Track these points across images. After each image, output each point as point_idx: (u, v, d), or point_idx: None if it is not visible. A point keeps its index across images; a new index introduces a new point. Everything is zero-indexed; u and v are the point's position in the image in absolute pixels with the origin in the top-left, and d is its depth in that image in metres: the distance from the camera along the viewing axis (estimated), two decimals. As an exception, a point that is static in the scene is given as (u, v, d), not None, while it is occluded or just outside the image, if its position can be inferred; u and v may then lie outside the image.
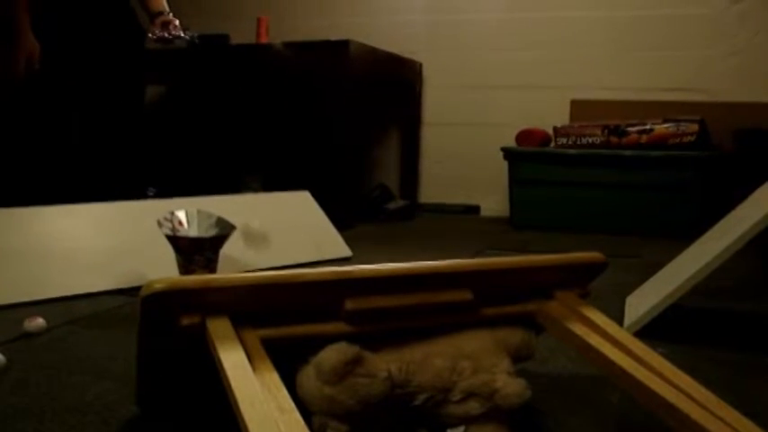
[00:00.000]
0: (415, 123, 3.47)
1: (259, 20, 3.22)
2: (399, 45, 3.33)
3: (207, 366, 0.67)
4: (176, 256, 1.56)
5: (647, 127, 2.71)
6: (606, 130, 2.78)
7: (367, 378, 0.70)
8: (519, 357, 0.82)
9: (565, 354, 1.14)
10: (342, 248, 2.09)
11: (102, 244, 1.68)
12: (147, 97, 2.62)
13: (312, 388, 0.70)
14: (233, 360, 0.63)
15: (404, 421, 0.77)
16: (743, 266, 1.95)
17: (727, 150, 2.77)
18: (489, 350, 0.79)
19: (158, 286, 0.64)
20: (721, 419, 0.66)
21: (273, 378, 0.63)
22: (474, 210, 3.42)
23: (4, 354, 1.06)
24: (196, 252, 1.54)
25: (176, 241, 1.55)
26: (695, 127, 2.64)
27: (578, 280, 0.88)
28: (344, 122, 2.82)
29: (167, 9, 2.35)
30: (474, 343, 0.79)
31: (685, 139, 2.64)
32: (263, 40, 3.20)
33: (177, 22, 2.32)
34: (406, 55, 3.32)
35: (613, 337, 0.79)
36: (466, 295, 0.79)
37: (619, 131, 2.75)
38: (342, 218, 2.31)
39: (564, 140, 2.86)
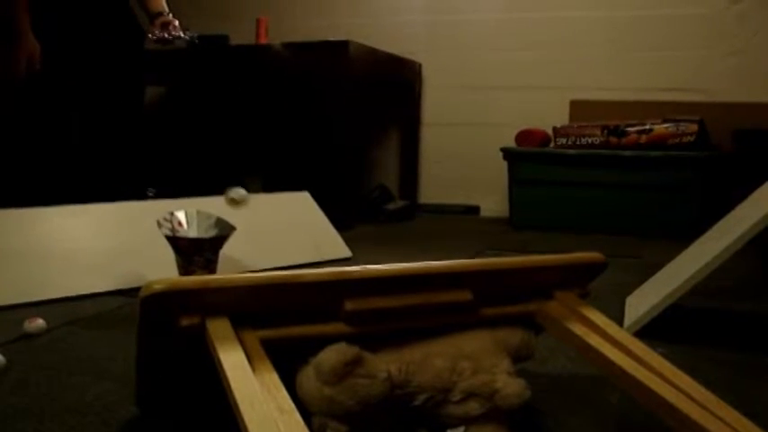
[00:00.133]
0: (414, 124, 3.47)
1: (258, 20, 3.22)
2: (399, 45, 3.34)
3: (206, 367, 0.67)
4: (176, 257, 1.56)
5: (647, 127, 2.71)
6: (606, 131, 2.78)
7: (367, 379, 0.70)
8: (519, 357, 0.83)
9: (564, 354, 1.14)
10: (341, 249, 2.09)
11: (101, 245, 1.68)
12: (147, 98, 2.62)
13: (312, 388, 0.70)
14: (233, 361, 0.63)
15: (404, 422, 0.77)
16: (743, 266, 1.95)
17: (726, 150, 2.77)
18: (489, 350, 0.79)
19: (158, 287, 0.64)
20: (721, 419, 0.66)
21: (273, 379, 0.63)
22: (474, 210, 3.42)
23: (4, 354, 1.06)
24: (196, 253, 1.54)
25: (176, 242, 1.55)
26: (694, 127, 2.64)
27: (578, 280, 0.88)
28: (344, 123, 2.82)
29: (167, 10, 2.35)
30: (474, 343, 0.79)
31: (685, 140, 2.64)
32: (263, 40, 3.20)
33: (177, 23, 2.32)
34: (406, 55, 3.33)
35: (613, 337, 0.79)
36: (466, 295, 0.79)
37: (618, 132, 2.75)
38: (341, 218, 2.31)
39: (563, 141, 2.86)
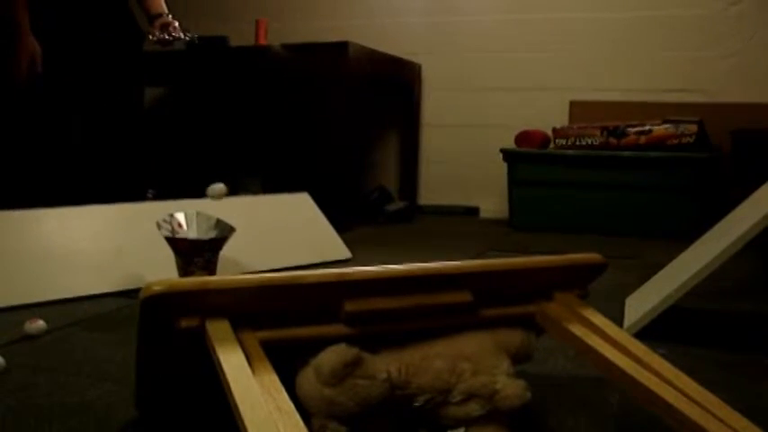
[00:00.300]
0: (414, 125, 3.47)
1: (258, 22, 3.22)
2: (398, 47, 3.34)
3: (206, 368, 0.67)
4: (176, 258, 1.56)
5: (646, 128, 2.71)
6: (605, 132, 2.78)
7: (366, 380, 0.70)
8: (519, 359, 0.82)
9: (564, 355, 1.14)
10: (341, 250, 2.09)
11: (101, 246, 1.68)
12: (147, 99, 2.62)
13: (312, 390, 0.70)
14: (232, 362, 0.63)
15: (404, 423, 0.77)
16: (743, 267, 1.95)
17: (726, 151, 2.77)
18: (489, 351, 0.79)
19: (157, 288, 0.64)
20: (721, 420, 0.66)
21: (273, 380, 0.63)
22: (473, 211, 3.42)
23: (4, 356, 1.06)
24: (195, 254, 1.54)
25: (176, 243, 1.55)
26: (694, 128, 2.64)
27: (578, 281, 0.88)
28: (343, 124, 2.82)
29: (166, 11, 2.35)
30: (474, 344, 0.79)
31: (684, 140, 2.64)
32: (262, 41, 3.20)
33: (176, 24, 2.32)
34: (406, 56, 3.33)
35: (613, 337, 0.79)
36: (465, 297, 0.79)
37: (618, 132, 2.75)
38: (341, 220, 2.31)
39: (563, 142, 2.86)
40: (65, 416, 0.87)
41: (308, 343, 0.72)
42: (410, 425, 0.78)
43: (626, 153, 2.70)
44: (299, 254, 1.96)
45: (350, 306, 0.73)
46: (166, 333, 0.68)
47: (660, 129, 2.69)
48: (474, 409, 0.76)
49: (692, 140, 2.63)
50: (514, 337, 0.83)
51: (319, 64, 2.82)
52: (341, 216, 2.36)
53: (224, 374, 0.61)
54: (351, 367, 0.69)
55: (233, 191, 3.10)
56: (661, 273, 1.54)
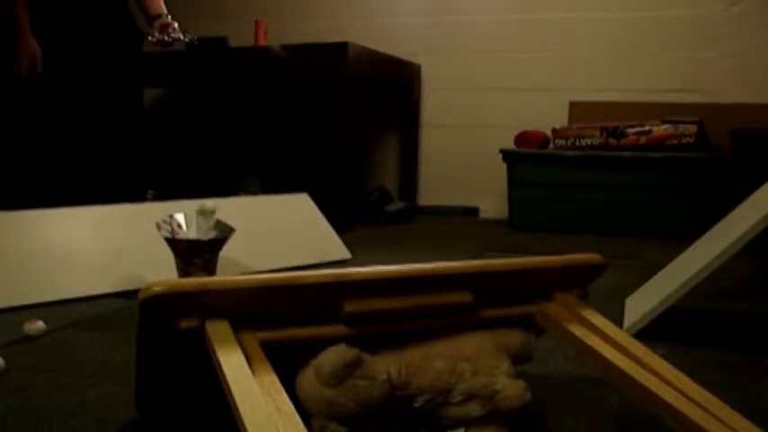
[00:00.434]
0: (413, 125, 3.48)
1: (257, 22, 3.22)
2: (398, 47, 3.34)
3: (206, 369, 0.67)
4: (175, 259, 1.56)
5: (646, 128, 2.71)
6: (605, 132, 2.78)
7: (366, 380, 0.70)
8: (519, 359, 0.82)
9: (564, 355, 1.14)
10: (341, 251, 2.09)
11: (101, 246, 1.68)
12: (147, 100, 2.62)
13: (312, 390, 0.70)
14: (232, 363, 0.63)
15: (404, 423, 0.77)
16: (743, 267, 1.95)
17: (726, 151, 2.77)
18: (489, 352, 0.79)
19: (157, 289, 0.64)
20: (721, 420, 0.66)
21: (273, 381, 0.63)
22: (473, 211, 3.42)
23: (4, 356, 1.06)
24: (195, 255, 1.54)
25: (175, 244, 1.55)
26: (694, 128, 2.64)
27: (578, 281, 0.88)
28: (343, 124, 2.82)
29: (166, 11, 2.35)
30: (474, 345, 0.79)
31: (684, 141, 2.64)
32: (262, 42, 3.20)
33: (176, 25, 2.32)
34: (405, 57, 3.33)
35: (613, 338, 0.79)
36: (465, 297, 0.79)
37: (617, 133, 2.75)
38: (341, 220, 2.31)
39: (563, 142, 2.86)
40: (65, 416, 0.87)
41: (307, 343, 0.72)
42: (410, 425, 0.78)
43: (626, 153, 2.71)
44: (299, 254, 1.96)
45: (350, 306, 0.73)
46: (166, 334, 0.68)
47: (660, 129, 2.69)
48: (474, 409, 0.76)
49: (691, 141, 2.63)
50: (514, 338, 0.83)
51: (319, 64, 2.82)
52: (341, 216, 2.36)
53: (224, 375, 0.61)
54: (351, 368, 0.69)
55: (233, 191, 3.10)
56: (661, 273, 1.54)
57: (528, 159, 2.87)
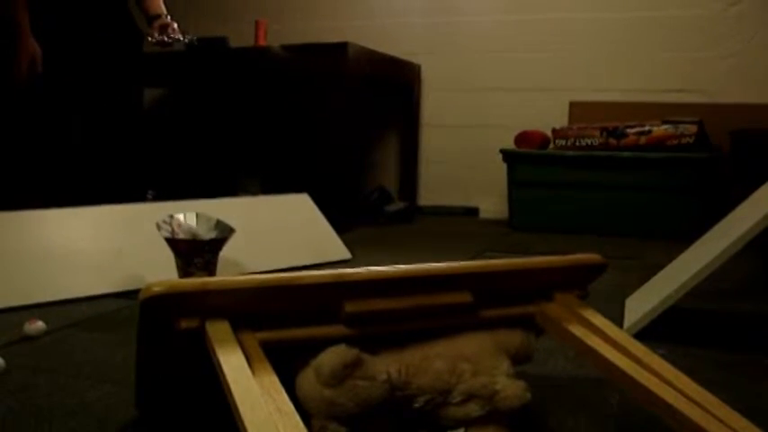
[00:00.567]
0: (413, 125, 3.48)
1: (257, 22, 3.22)
2: (398, 47, 3.34)
3: (206, 369, 0.67)
4: (175, 259, 1.56)
5: (646, 129, 2.71)
6: (605, 132, 2.78)
7: (366, 381, 0.70)
8: (518, 359, 0.82)
9: (564, 355, 1.14)
10: (341, 251, 2.09)
11: (101, 247, 1.68)
12: (147, 100, 2.62)
13: (312, 390, 0.70)
14: (232, 363, 0.63)
15: (404, 424, 0.77)
16: (743, 267, 1.95)
17: (725, 151, 2.77)
18: (489, 352, 0.79)
19: (157, 289, 0.64)
20: (721, 421, 0.66)
21: (273, 381, 0.63)
22: (473, 212, 3.42)
23: (4, 357, 1.06)
24: (195, 255, 1.54)
25: (175, 244, 1.55)
26: (694, 128, 2.64)
27: (578, 282, 0.88)
28: (343, 125, 2.82)
29: (165, 12, 2.35)
30: (473, 345, 0.79)
31: (684, 141, 2.64)
32: (262, 42, 3.20)
33: (176, 26, 2.32)
34: (405, 57, 3.33)
35: (613, 338, 0.79)
36: (465, 297, 0.79)
37: (617, 133, 2.75)
38: (341, 220, 2.31)
39: (563, 142, 2.86)
40: (65, 417, 0.87)
41: (307, 344, 0.72)
42: (410, 425, 0.78)
43: (625, 154, 2.71)
44: (299, 255, 1.96)
45: (350, 307, 0.73)
46: (166, 334, 0.68)
47: (660, 129, 2.69)
48: (474, 409, 0.76)
49: (691, 141, 2.64)
50: (514, 338, 0.83)
51: (319, 65, 2.82)
52: (341, 217, 2.36)
53: (224, 375, 0.61)
54: (351, 368, 0.69)
55: (233, 191, 3.11)
56: (661, 273, 1.54)
57: (528, 159, 2.87)
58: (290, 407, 0.59)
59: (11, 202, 1.81)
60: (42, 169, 2.21)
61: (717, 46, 3.01)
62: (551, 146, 2.94)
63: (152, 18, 2.33)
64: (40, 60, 2.08)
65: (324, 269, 0.72)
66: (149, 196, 2.73)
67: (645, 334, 1.18)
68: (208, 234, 1.60)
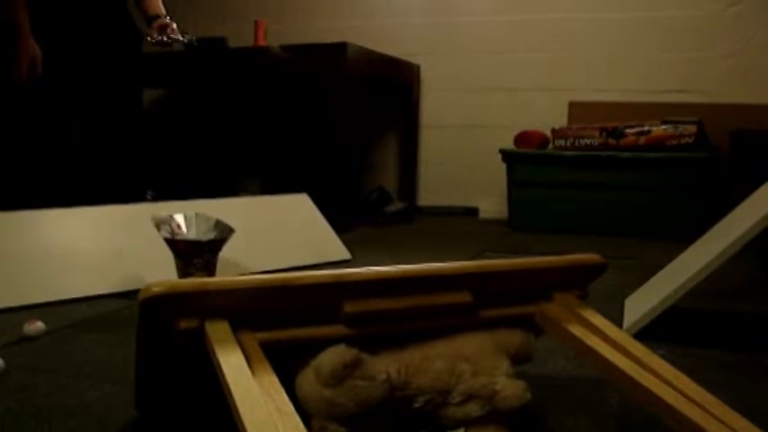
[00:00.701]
0: (413, 125, 3.48)
1: (257, 23, 3.22)
2: (397, 47, 3.34)
3: (206, 369, 0.67)
4: (175, 260, 1.56)
5: (645, 129, 2.71)
6: (604, 132, 2.78)
7: (366, 381, 0.70)
8: (518, 359, 0.82)
9: (564, 355, 1.14)
10: (341, 251, 2.09)
11: (101, 247, 1.68)
12: (146, 100, 2.62)
13: (311, 391, 0.70)
14: (232, 363, 0.63)
15: (403, 424, 0.77)
16: (743, 267, 1.95)
17: (725, 151, 2.78)
18: (489, 352, 0.79)
19: (156, 290, 0.64)
20: (721, 421, 0.66)
21: (272, 381, 0.63)
22: (472, 212, 3.42)
23: (3, 357, 1.06)
24: (195, 255, 1.54)
25: (175, 244, 1.55)
26: (693, 128, 2.64)
27: (577, 282, 0.88)
28: (343, 125, 2.82)
29: (164, 12, 2.35)
30: (473, 345, 0.79)
31: (683, 141, 2.64)
32: (261, 43, 3.20)
33: (175, 26, 2.32)
34: (404, 57, 3.33)
35: (612, 338, 0.79)
36: (465, 297, 0.79)
37: (617, 133, 2.75)
38: (340, 220, 2.31)
39: (562, 142, 2.86)
40: (65, 417, 0.87)
41: (307, 344, 0.72)
42: (410, 425, 0.78)
43: (625, 154, 2.71)
44: (299, 255, 1.96)
45: (349, 307, 0.73)
46: (166, 334, 0.68)
47: (659, 129, 2.69)
48: (474, 409, 0.76)
49: (691, 141, 2.64)
50: (514, 338, 0.83)
51: (318, 65, 2.82)
52: (340, 217, 2.36)
53: (223, 375, 0.61)
54: (350, 368, 0.69)
55: (233, 191, 3.10)
56: (661, 273, 1.54)
57: (527, 159, 2.87)
58: (290, 407, 0.59)
59: (11, 202, 1.81)
60: (42, 169, 2.21)
61: (716, 46, 3.01)
62: (551, 146, 2.94)
63: (151, 18, 2.33)
64: (40, 62, 2.08)
65: (323, 269, 0.72)
66: (149, 196, 2.73)
67: (644, 334, 1.18)
68: (207, 234, 1.59)
